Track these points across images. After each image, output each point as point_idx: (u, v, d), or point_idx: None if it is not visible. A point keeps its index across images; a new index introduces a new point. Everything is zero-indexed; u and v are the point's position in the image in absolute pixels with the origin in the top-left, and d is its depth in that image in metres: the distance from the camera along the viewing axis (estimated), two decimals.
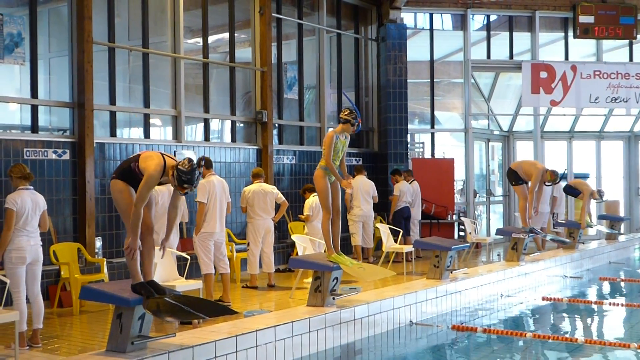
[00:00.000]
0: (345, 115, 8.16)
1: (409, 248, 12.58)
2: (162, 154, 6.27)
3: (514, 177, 12.94)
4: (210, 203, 9.51)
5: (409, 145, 16.86)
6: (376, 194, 13.63)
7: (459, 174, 17.65)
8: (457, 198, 17.47)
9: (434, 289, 9.59)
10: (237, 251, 11.75)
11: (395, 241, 12.89)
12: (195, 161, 6.19)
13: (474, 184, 17.85)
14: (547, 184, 12.98)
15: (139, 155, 6.32)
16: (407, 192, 14.23)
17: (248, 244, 10.92)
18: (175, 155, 11.83)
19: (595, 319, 10.26)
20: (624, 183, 20.62)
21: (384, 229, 12.73)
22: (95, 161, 10.73)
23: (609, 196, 19.26)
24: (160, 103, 12.31)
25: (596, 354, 7.91)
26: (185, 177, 6.07)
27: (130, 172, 6.29)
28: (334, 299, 8.22)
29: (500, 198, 19.57)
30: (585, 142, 20.39)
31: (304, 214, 11.84)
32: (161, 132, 12.75)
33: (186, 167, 6.08)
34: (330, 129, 8.64)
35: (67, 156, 10.45)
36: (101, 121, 11.33)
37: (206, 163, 9.79)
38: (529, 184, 12.68)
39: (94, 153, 10.62)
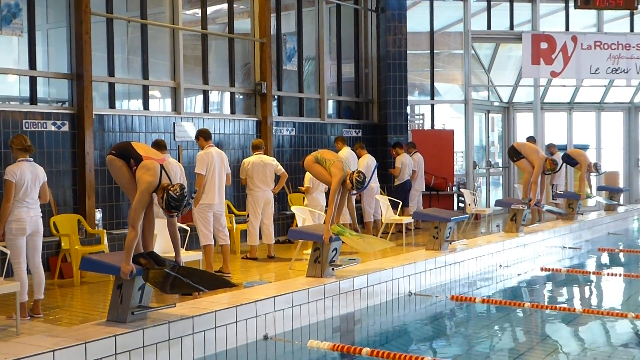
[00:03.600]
0: (357, 180, 8.39)
1: (408, 219, 12.61)
2: (162, 167, 6.27)
3: (514, 153, 12.97)
4: (209, 174, 9.51)
5: (408, 117, 16.82)
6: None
7: (459, 145, 17.65)
8: (457, 169, 17.50)
9: (433, 259, 9.64)
10: (237, 223, 11.79)
11: (395, 213, 12.92)
12: (186, 189, 6.19)
13: (473, 156, 17.84)
14: (546, 172, 13.02)
15: (141, 156, 6.31)
16: (408, 165, 14.23)
17: (248, 216, 10.95)
18: (174, 128, 11.88)
19: (594, 289, 10.32)
20: (623, 154, 20.62)
21: (384, 201, 12.76)
22: (95, 133, 10.72)
23: (609, 167, 19.31)
24: (159, 75, 12.27)
25: (594, 323, 7.97)
26: (173, 203, 6.08)
27: (127, 162, 6.36)
28: (333, 269, 8.28)
29: (500, 169, 19.59)
30: (585, 113, 20.35)
31: (304, 185, 11.86)
32: (160, 103, 12.72)
33: (177, 193, 6.08)
34: (339, 166, 8.60)
35: (66, 128, 10.44)
36: (100, 93, 11.30)
37: (205, 134, 9.78)
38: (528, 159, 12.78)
39: (93, 125, 10.61)
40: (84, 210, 10.40)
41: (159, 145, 9.08)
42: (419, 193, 14.93)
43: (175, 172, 8.74)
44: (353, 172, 8.49)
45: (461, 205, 16.43)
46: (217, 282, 6.73)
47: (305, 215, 10.51)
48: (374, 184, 13.36)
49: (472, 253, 10.59)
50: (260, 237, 11.08)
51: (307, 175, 11.78)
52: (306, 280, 8.07)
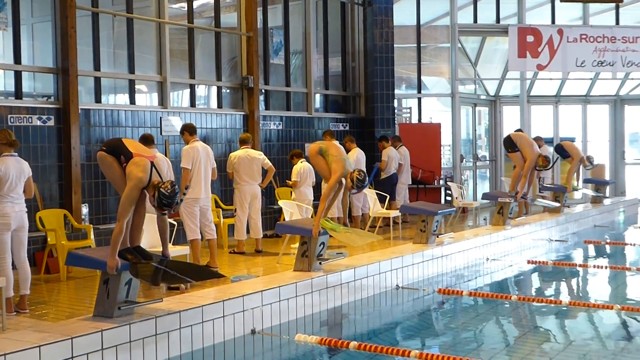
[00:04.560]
0: (358, 178, 8.31)
1: (395, 213, 12.63)
2: (152, 165, 6.25)
3: (510, 144, 12.93)
4: (195, 169, 9.49)
5: (396, 111, 16.83)
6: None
7: (446, 139, 17.68)
8: (444, 163, 17.54)
9: (420, 253, 9.66)
10: (224, 217, 11.76)
11: (382, 206, 12.93)
12: (177, 186, 6.21)
13: (460, 149, 17.89)
14: (537, 168, 12.98)
15: (131, 153, 6.29)
16: (394, 158, 14.26)
17: (235, 210, 10.94)
18: (161, 123, 11.83)
19: (580, 282, 10.37)
20: (609, 147, 20.72)
21: (371, 195, 12.77)
22: (81, 127, 10.66)
23: (595, 160, 19.39)
24: (145, 69, 12.21)
25: (580, 315, 8.01)
26: (165, 200, 6.10)
27: (117, 159, 6.33)
28: (320, 263, 8.28)
29: (487, 163, 19.64)
30: (571, 106, 20.44)
31: (292, 179, 11.84)
32: (147, 98, 12.66)
33: (168, 190, 6.10)
34: (340, 164, 8.47)
35: (51, 122, 10.38)
36: (86, 87, 11.24)
37: (190, 129, 9.76)
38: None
39: (79, 119, 10.55)
40: (70, 205, 10.35)
41: (146, 140, 9.05)
42: (406, 186, 14.94)
43: (163, 167, 8.72)
44: (354, 170, 8.44)
45: (448, 198, 16.47)
46: (204, 273, 6.74)
47: (292, 209, 10.51)
48: None
49: (459, 246, 10.62)
50: (248, 232, 11.07)
51: (295, 169, 11.78)
52: (294, 274, 8.06)
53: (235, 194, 10.94)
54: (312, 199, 12.01)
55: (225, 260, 10.26)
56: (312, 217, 8.93)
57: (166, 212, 6.24)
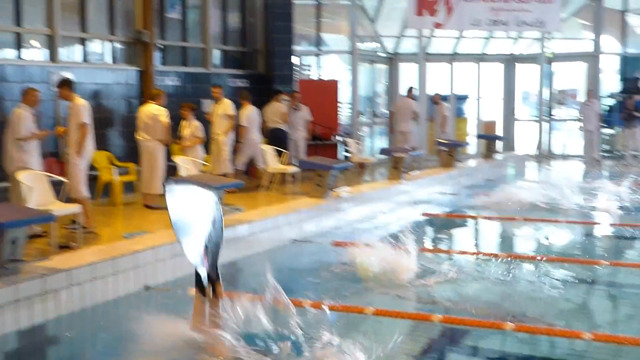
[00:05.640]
0: None
1: (294, 169, 12.68)
2: None
3: None
4: (89, 125, 9.28)
5: (296, 68, 16.81)
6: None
7: (345, 96, 17.81)
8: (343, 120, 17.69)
9: (316, 207, 9.76)
10: (120, 174, 11.53)
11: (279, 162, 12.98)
12: None
13: (359, 106, 18.06)
14: None
15: None
16: (253, 117, 13.44)
17: None
18: (51, 78, 11.45)
19: (471, 233, 10.74)
20: (503, 104, 21.34)
21: (269, 150, 12.78)
22: None
23: (488, 116, 20.02)
24: (33, 22, 11.74)
25: (469, 264, 8.31)
26: None
27: None
28: None
29: (386, 119, 19.92)
30: (466, 64, 20.92)
31: (196, 135, 11.62)
32: (35, 52, 12.20)
33: None
34: None
35: None
36: None
37: (70, 84, 9.45)
38: None
39: None
40: None
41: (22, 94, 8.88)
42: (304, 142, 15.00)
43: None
44: None
45: (348, 155, 16.66)
46: None
47: (187, 165, 10.43)
48: (255, 135, 13.14)
49: (355, 200, 10.79)
50: None
51: (190, 125, 11.63)
52: None
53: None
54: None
55: (119, 218, 10.11)
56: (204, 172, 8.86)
57: None
